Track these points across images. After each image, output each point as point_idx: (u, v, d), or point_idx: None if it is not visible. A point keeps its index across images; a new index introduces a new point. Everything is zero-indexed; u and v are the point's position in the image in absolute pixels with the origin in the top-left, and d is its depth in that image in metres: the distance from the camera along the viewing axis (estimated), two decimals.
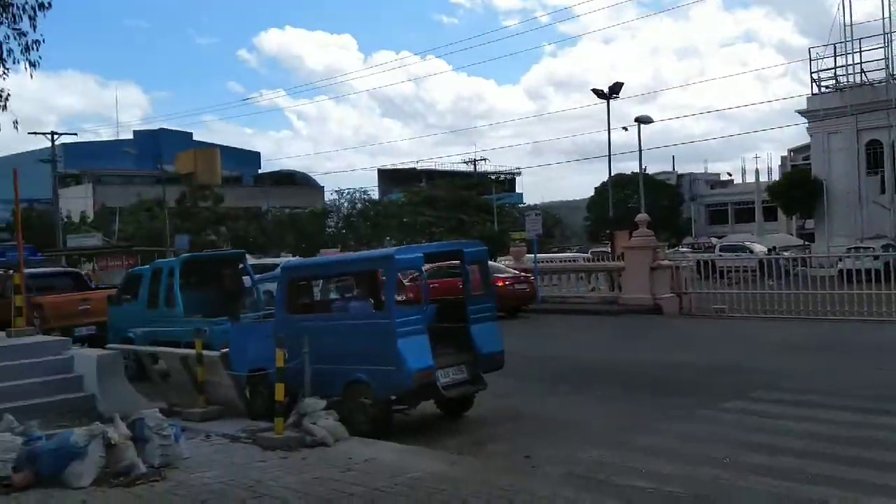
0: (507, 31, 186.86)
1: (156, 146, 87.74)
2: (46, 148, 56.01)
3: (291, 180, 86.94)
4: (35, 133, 52.57)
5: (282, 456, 8.09)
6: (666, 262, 23.58)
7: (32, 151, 61.93)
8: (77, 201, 70.55)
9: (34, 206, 60.41)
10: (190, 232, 57.44)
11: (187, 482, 7.13)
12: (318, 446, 8.47)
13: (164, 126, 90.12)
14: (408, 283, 13.59)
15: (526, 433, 9.35)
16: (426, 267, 9.85)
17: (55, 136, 50.87)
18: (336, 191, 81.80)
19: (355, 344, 9.51)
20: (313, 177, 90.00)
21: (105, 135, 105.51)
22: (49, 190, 68.10)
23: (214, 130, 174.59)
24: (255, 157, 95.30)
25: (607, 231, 39.32)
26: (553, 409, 10.67)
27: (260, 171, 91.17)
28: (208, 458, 8.11)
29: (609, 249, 34.70)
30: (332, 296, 11.11)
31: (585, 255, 39.61)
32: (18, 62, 16.65)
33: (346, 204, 69.43)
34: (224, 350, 10.42)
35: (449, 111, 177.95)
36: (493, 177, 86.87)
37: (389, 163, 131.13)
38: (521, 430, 9.55)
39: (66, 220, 58.58)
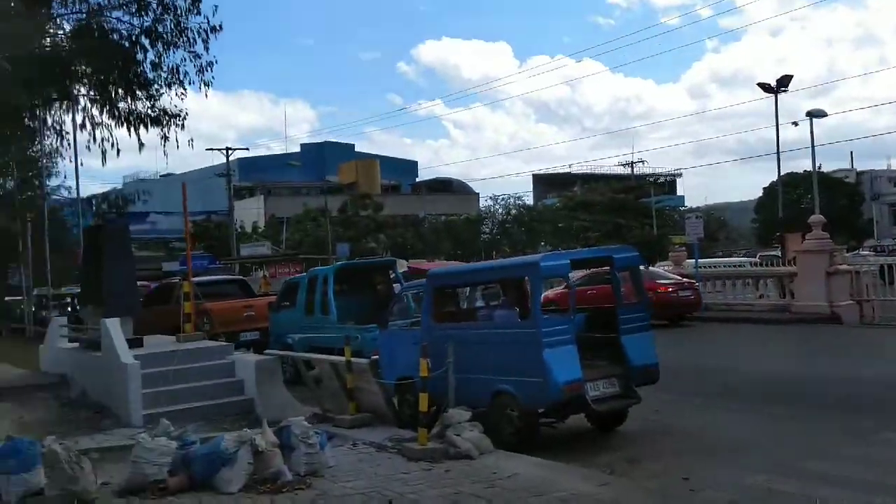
0: (666, 27, 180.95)
1: (321, 158, 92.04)
2: (224, 163, 60.06)
3: (448, 187, 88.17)
4: (212, 149, 56.15)
5: (425, 468, 7.94)
6: (845, 267, 21.71)
7: (213, 166, 66.29)
8: (250, 212, 74.90)
9: (211, 217, 64.54)
10: (351, 240, 59.60)
11: (330, 492, 7.11)
12: (463, 459, 8.26)
13: (329, 139, 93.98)
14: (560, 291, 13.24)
15: (684, 452, 8.71)
16: (578, 274, 9.42)
17: (230, 152, 53.95)
18: (490, 197, 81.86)
19: (501, 354, 9.24)
20: (469, 184, 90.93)
21: (276, 149, 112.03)
22: (226, 202, 73.15)
23: (375, 141, 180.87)
24: (412, 165, 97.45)
25: (777, 234, 36.88)
26: (716, 427, 9.92)
27: (417, 180, 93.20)
28: (353, 467, 8.09)
29: (779, 253, 32.52)
30: (480, 304, 10.89)
31: (753, 259, 37.39)
32: (194, 83, 17.90)
33: (500, 210, 69.47)
34: (373, 357, 10.45)
35: (605, 113, 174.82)
36: (651, 179, 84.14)
37: (544, 167, 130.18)
38: (679, 449, 8.91)
39: (239, 230, 62.21)
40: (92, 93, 26.88)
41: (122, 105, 28.42)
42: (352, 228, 62.58)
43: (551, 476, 7.50)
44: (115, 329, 11.87)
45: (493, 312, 9.79)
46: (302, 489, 7.11)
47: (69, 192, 28.94)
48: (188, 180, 75.72)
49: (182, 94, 18.93)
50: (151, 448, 7.04)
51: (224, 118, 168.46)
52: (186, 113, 26.48)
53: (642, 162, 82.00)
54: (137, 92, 28.70)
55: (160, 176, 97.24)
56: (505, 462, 8.10)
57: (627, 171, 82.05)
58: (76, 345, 13.85)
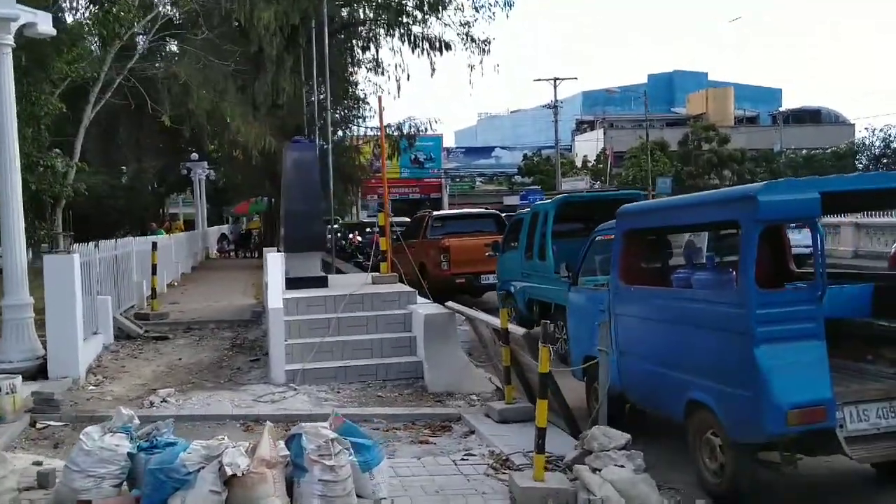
0: None
1: (669, 89, 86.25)
2: (572, 97, 57.50)
3: (815, 117, 77.16)
4: (539, 80, 54.35)
5: None
6: None
7: (561, 100, 64.93)
8: (589, 146, 72.55)
9: (541, 151, 63.61)
10: (691, 175, 54.25)
11: None
12: None
13: (679, 68, 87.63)
14: None
15: None
16: (831, 221, 5.40)
17: (557, 82, 51.67)
18: (867, 127, 69.66)
19: (696, 341, 5.68)
20: (843, 114, 78.62)
21: (626, 80, 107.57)
22: (568, 136, 71.48)
23: (734, 68, 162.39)
24: (774, 94, 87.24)
25: None
26: None
27: (780, 109, 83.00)
28: None
29: None
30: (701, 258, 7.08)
31: None
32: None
33: (877, 142, 58.47)
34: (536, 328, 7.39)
35: None
36: None
37: None
38: None
39: (568, 163, 60.50)
40: (382, 15, 26.17)
41: (416, 29, 27.44)
42: (691, 163, 57.11)
43: None
44: (273, 265, 10.25)
45: (692, 274, 6.11)
46: None
47: (364, 122, 28.60)
48: (534, 116, 75.83)
49: (490, 16, 18.36)
50: (89, 451, 4.91)
51: (571, 51, 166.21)
52: (492, 39, 24.94)
53: None
54: (432, 15, 27.40)
55: (510, 112, 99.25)
56: None
57: None
58: None
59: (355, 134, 29.26)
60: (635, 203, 6.91)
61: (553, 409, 7.44)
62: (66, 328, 8.44)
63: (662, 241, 7.31)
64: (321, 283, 11.21)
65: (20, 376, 7.10)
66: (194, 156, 31.87)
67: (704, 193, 6.14)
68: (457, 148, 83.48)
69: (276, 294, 9.75)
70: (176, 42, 15.52)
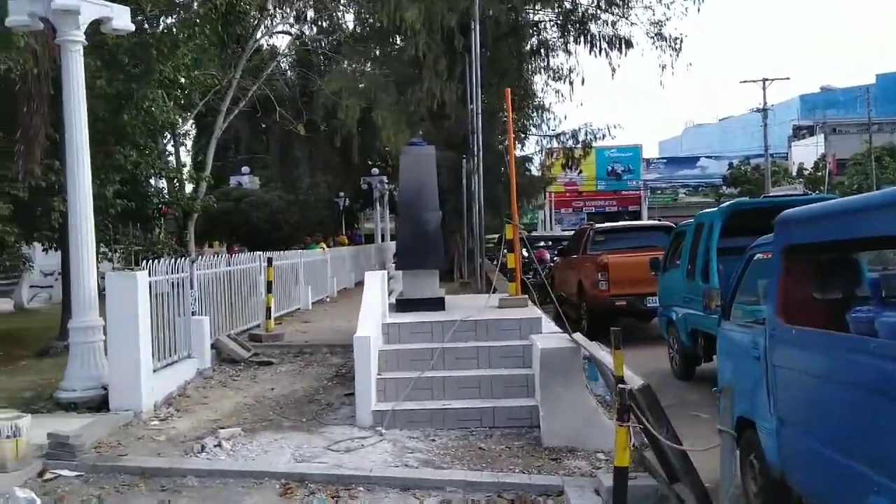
0: None
1: None
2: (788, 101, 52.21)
3: None
4: (745, 82, 50.06)
5: None
6: None
7: (777, 104, 59.76)
8: (807, 153, 66.31)
9: (749, 160, 59.01)
10: None
11: None
12: None
13: None
14: None
15: None
16: None
17: (767, 83, 47.13)
18: None
19: (877, 418, 3.54)
20: None
21: (851, 81, 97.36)
22: (784, 142, 65.45)
23: None
24: None
25: None
26: None
27: None
28: None
29: None
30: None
31: None
32: None
33: None
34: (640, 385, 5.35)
35: None
36: None
37: None
38: None
39: (780, 171, 55.42)
40: (559, 17, 24.36)
41: (593, 28, 25.35)
42: None
43: None
44: (372, 284, 8.89)
45: (879, 313, 3.88)
46: None
47: (540, 129, 26.51)
48: (744, 122, 70.83)
49: (683, 13, 17.05)
50: None
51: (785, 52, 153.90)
52: (683, 37, 23.51)
53: None
54: (619, 17, 25.17)
55: (718, 120, 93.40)
56: None
57: None
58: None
59: (540, 145, 27.46)
60: (801, 207, 4.71)
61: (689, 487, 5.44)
62: (128, 355, 7.52)
63: (846, 261, 5.01)
64: (437, 305, 9.73)
65: (28, 416, 6.17)
66: (374, 170, 31.80)
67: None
68: (658, 159, 79.49)
69: (371, 319, 8.35)
70: (320, 50, 14.79)
